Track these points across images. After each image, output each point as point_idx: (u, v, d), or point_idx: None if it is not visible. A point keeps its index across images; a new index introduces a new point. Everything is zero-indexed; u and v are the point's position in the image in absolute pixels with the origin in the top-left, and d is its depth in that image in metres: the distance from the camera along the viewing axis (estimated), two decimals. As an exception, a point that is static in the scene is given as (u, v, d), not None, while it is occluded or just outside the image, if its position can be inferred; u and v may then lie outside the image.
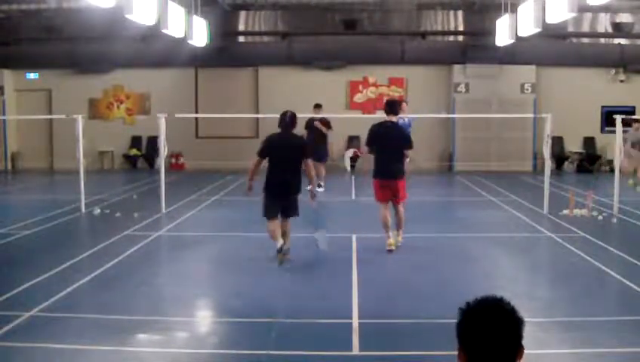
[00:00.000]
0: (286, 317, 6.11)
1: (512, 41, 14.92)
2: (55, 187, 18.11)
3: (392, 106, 9.21)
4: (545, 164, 12.45)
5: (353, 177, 16.80)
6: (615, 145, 12.45)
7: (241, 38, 21.58)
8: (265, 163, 8.32)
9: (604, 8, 18.96)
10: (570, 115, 18.90)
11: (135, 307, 6.56)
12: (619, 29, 20.28)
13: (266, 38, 21.64)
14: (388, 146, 8.83)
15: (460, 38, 21.03)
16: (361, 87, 20.68)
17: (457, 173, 19.64)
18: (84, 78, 20.69)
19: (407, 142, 9.03)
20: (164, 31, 13.25)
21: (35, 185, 17.85)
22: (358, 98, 20.55)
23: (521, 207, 12.67)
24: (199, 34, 15.68)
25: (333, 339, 5.59)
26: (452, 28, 21.06)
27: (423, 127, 19.87)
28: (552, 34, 18.86)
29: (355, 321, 5.99)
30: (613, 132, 12.69)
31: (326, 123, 14.92)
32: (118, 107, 21.19)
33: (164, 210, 12.06)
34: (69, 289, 6.98)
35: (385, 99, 10.15)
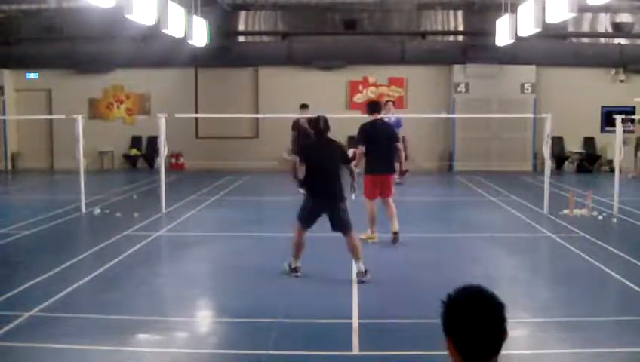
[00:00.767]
0: (286, 317, 6.12)
1: (512, 41, 14.92)
2: (55, 187, 18.11)
3: (376, 106, 9.91)
4: (545, 164, 12.45)
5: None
6: (615, 145, 12.45)
7: (241, 38, 21.58)
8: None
9: (604, 8, 18.96)
10: (570, 115, 18.90)
11: (135, 307, 6.56)
12: (619, 29, 20.28)
13: (266, 38, 21.64)
14: (380, 143, 9.38)
15: (460, 38, 21.02)
16: (361, 87, 20.67)
17: (457, 173, 19.64)
18: (84, 78, 20.69)
19: (395, 137, 9.83)
20: (164, 31, 13.25)
21: (35, 185, 17.86)
22: (358, 98, 20.53)
23: (521, 207, 12.67)
24: (199, 34, 15.68)
25: (333, 339, 5.59)
26: (452, 28, 21.06)
27: (423, 127, 19.96)
28: (552, 34, 18.86)
29: (355, 321, 6.00)
30: (613, 132, 12.69)
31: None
32: (118, 107, 21.18)
33: (164, 210, 12.06)
34: (69, 289, 6.98)
35: (367, 101, 10.45)
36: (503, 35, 15.37)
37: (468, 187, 16.44)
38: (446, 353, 2.16)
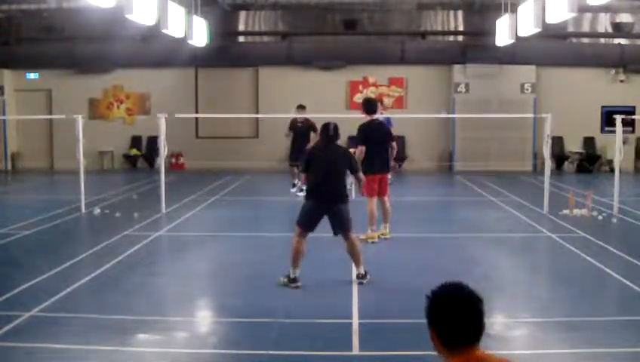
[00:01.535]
0: (286, 317, 6.12)
1: (512, 41, 14.92)
2: (55, 187, 18.11)
3: (373, 105, 9.86)
4: (545, 164, 12.44)
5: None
6: (615, 145, 12.44)
7: (241, 38, 21.58)
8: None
9: (604, 8, 18.95)
10: (570, 115, 18.89)
11: (135, 307, 6.56)
12: (619, 29, 20.28)
13: (266, 38, 21.65)
14: (379, 143, 9.56)
15: (460, 38, 21.03)
16: (361, 87, 20.66)
17: (457, 173, 19.64)
18: (84, 78, 20.68)
19: (391, 136, 9.93)
20: (164, 31, 13.25)
21: (35, 185, 17.86)
22: (358, 98, 20.47)
23: (521, 207, 12.67)
24: (199, 34, 15.68)
25: (333, 339, 5.59)
26: (452, 28, 21.07)
27: (423, 127, 19.97)
28: (552, 34, 18.86)
29: (355, 321, 6.00)
30: (613, 132, 12.69)
31: (312, 124, 14.13)
32: (118, 107, 21.18)
33: (164, 210, 12.06)
34: (69, 289, 6.98)
35: (363, 100, 10.38)
36: (502, 35, 15.37)
37: (468, 187, 16.44)
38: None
